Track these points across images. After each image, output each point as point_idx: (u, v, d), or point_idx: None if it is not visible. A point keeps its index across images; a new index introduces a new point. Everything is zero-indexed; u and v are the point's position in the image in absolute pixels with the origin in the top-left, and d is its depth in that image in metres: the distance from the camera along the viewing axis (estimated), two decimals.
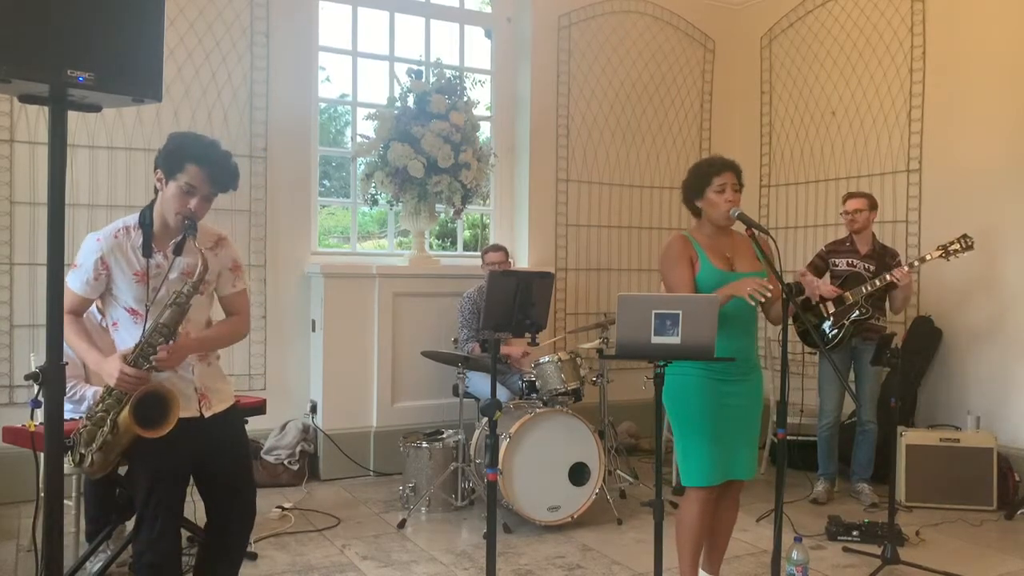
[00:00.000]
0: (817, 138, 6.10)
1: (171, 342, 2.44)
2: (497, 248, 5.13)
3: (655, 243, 6.38)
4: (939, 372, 5.26)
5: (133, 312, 2.53)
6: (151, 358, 2.41)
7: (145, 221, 2.51)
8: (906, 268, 4.47)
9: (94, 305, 3.56)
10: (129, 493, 3.45)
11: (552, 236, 6.10)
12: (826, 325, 4.67)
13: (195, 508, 3.34)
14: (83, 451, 2.51)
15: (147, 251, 2.50)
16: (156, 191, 2.54)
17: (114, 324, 2.59)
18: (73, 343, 2.53)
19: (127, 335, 2.53)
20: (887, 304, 4.73)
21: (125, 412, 2.42)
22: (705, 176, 3.03)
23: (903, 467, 4.67)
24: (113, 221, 2.59)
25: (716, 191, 3.00)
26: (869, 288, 4.54)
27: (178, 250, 2.52)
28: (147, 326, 2.46)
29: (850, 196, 4.83)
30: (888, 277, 4.47)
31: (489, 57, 6.15)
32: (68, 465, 3.23)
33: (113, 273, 2.51)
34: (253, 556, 3.78)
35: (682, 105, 6.56)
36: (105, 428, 2.44)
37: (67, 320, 2.42)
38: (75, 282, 2.52)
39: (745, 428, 3.04)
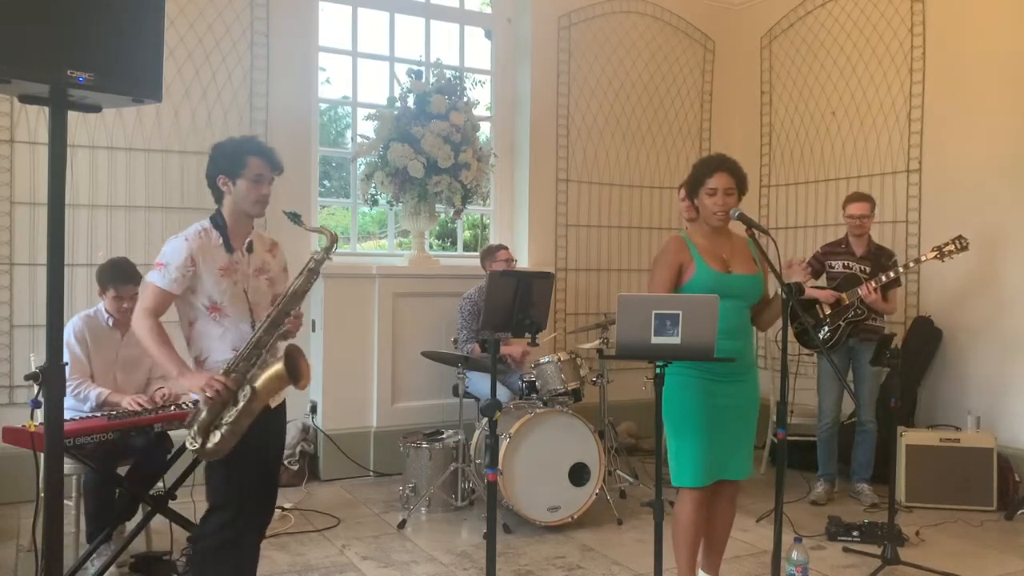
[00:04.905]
0: (817, 138, 6.10)
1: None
2: (504, 246, 5.13)
3: (655, 243, 6.37)
4: (939, 372, 5.26)
5: (213, 308, 2.73)
6: (284, 322, 2.71)
7: (219, 223, 2.79)
8: (872, 285, 4.53)
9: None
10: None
11: (552, 236, 6.10)
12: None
13: (195, 509, 3.36)
14: (200, 433, 2.60)
15: (229, 248, 2.77)
16: (222, 197, 2.80)
17: (190, 324, 2.76)
18: (155, 351, 2.66)
19: (204, 329, 2.74)
20: None
21: (271, 371, 2.60)
22: (700, 177, 3.03)
23: (903, 467, 4.67)
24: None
25: (707, 193, 3.00)
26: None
27: (249, 248, 2.83)
28: (277, 308, 2.70)
29: (853, 200, 4.78)
30: (859, 293, 4.55)
31: (489, 57, 6.15)
32: (68, 465, 3.25)
33: (200, 270, 2.70)
34: None
35: (682, 105, 6.56)
36: (244, 392, 2.59)
37: (148, 325, 2.65)
38: (163, 280, 2.67)
39: (740, 428, 3.04)
